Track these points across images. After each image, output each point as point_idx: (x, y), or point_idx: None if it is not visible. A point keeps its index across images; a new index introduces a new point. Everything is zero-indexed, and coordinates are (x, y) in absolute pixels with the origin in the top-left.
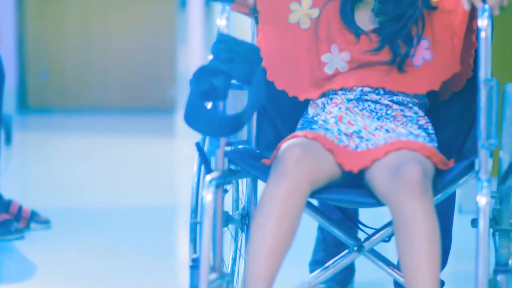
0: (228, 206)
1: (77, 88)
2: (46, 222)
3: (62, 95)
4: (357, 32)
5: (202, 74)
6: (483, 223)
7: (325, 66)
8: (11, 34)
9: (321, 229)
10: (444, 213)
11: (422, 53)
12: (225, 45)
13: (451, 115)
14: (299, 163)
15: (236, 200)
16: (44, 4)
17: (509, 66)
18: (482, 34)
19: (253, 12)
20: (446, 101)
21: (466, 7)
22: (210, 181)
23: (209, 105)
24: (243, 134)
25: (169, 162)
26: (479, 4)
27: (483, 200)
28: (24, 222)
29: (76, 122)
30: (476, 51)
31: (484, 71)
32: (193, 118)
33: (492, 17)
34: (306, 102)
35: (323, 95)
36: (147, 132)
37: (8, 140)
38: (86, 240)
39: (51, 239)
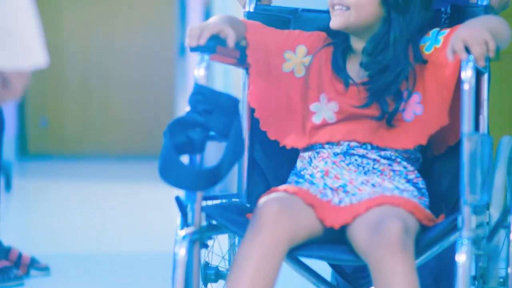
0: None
1: (77, 134)
2: (45, 269)
3: (62, 141)
4: (347, 81)
5: (177, 126)
6: (462, 283)
7: (313, 115)
8: None
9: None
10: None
11: (413, 107)
12: (202, 97)
13: (446, 169)
14: (276, 218)
15: (229, 255)
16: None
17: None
18: (465, 86)
19: (241, 63)
20: (442, 155)
21: (451, 58)
22: (183, 237)
23: (186, 158)
24: (232, 187)
25: (169, 209)
26: (462, 55)
27: (461, 258)
28: (23, 269)
29: (76, 169)
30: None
31: (467, 125)
32: (168, 172)
33: (489, 65)
34: (297, 154)
35: (310, 148)
36: (148, 178)
37: (8, 186)
38: (85, 286)
39: (50, 286)
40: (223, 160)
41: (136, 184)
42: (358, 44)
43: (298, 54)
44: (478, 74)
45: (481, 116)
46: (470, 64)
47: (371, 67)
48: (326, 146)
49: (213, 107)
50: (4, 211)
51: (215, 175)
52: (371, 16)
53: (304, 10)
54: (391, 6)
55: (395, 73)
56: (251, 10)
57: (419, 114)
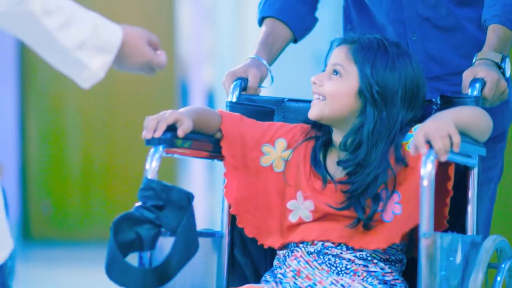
0: None
1: (80, 220)
2: None
3: (65, 227)
4: (325, 178)
5: (125, 222)
6: None
7: (290, 213)
8: (13, 166)
9: None
10: None
11: (392, 207)
12: (152, 192)
13: None
14: None
15: None
16: (46, 135)
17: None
18: (424, 183)
19: (215, 155)
20: None
21: (412, 152)
22: None
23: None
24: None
25: None
26: (422, 149)
27: None
28: None
29: (80, 254)
30: (454, 200)
31: (425, 224)
32: (113, 270)
33: (478, 161)
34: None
35: (285, 246)
36: None
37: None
38: None
39: None
40: (170, 258)
41: None
42: (337, 138)
43: (278, 148)
44: (467, 168)
45: (468, 215)
46: (431, 159)
47: (347, 165)
48: (300, 245)
49: (165, 203)
50: None
51: (163, 274)
52: (346, 108)
53: (290, 99)
54: (367, 100)
55: (373, 176)
56: (233, 100)
57: (398, 214)
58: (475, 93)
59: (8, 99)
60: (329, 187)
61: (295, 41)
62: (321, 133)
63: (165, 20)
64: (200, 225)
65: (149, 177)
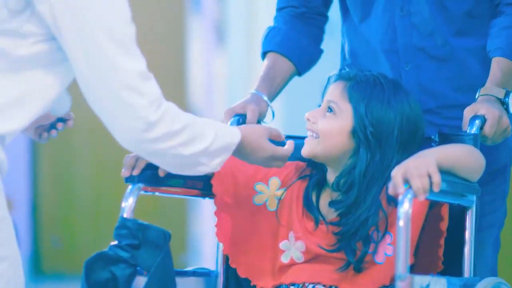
0: None
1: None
2: None
3: (75, 261)
4: (317, 219)
5: (99, 261)
6: None
7: (282, 254)
8: (25, 201)
9: None
10: None
11: (385, 248)
12: (127, 231)
13: None
14: None
15: None
16: (57, 172)
17: None
18: (400, 223)
19: (205, 193)
20: None
21: (390, 191)
22: None
23: None
24: None
25: None
26: (399, 189)
27: None
28: None
29: None
30: (447, 241)
31: (401, 265)
32: None
33: (477, 201)
34: None
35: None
36: None
37: None
38: None
39: None
40: None
41: None
42: (331, 177)
43: (271, 187)
44: (464, 209)
45: (465, 257)
46: (408, 198)
47: (339, 206)
48: (292, 287)
49: (141, 242)
50: None
51: None
52: (339, 148)
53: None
54: (361, 141)
55: (363, 217)
56: None
57: (390, 255)
58: (474, 130)
59: (20, 135)
60: (320, 228)
61: (299, 74)
62: (315, 172)
63: (176, 46)
64: (209, 264)
65: (125, 215)
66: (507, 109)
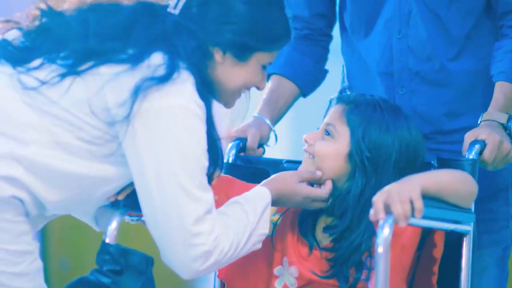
0: None
1: None
2: None
3: None
4: (311, 245)
5: (79, 286)
6: None
7: (276, 280)
8: None
9: None
10: None
11: None
12: (109, 257)
13: None
14: None
15: None
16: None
17: None
18: (379, 249)
19: None
20: None
21: (371, 216)
22: None
23: None
24: None
25: None
26: (379, 214)
27: None
28: None
29: None
30: (444, 268)
31: None
32: None
33: (475, 228)
34: None
35: None
36: None
37: None
38: None
39: None
40: None
41: None
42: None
43: None
44: (461, 235)
45: (461, 285)
46: (388, 223)
47: (333, 231)
48: None
49: (123, 267)
50: None
51: None
52: (334, 171)
53: (288, 161)
54: (357, 165)
55: (356, 243)
56: (230, 161)
57: None
58: (472, 155)
59: None
60: (314, 254)
61: (304, 95)
62: None
63: None
64: None
65: (107, 240)
66: (510, 134)
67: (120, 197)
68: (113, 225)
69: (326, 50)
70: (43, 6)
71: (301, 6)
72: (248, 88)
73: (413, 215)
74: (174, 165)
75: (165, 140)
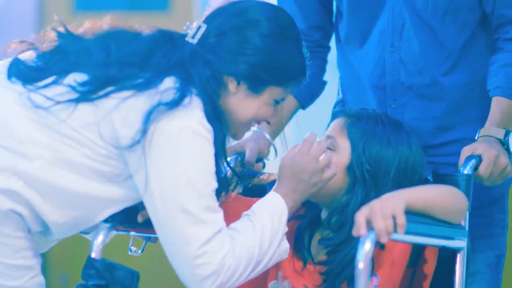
0: None
1: None
2: None
3: None
4: (305, 260)
5: None
6: None
7: None
8: None
9: None
10: None
11: None
12: (94, 272)
13: None
14: None
15: None
16: None
17: None
18: (359, 265)
19: None
20: None
21: (354, 232)
22: None
23: None
24: None
25: None
26: (360, 230)
27: None
28: None
29: None
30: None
31: None
32: None
33: (469, 241)
34: None
35: None
36: None
37: None
38: None
39: None
40: None
41: None
42: (323, 215)
43: None
44: (455, 251)
45: None
46: (370, 238)
47: (328, 243)
48: None
49: (109, 282)
50: None
51: None
52: (334, 183)
53: None
54: (356, 178)
55: (350, 257)
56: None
57: None
58: (467, 170)
59: None
60: (308, 268)
61: (303, 107)
62: (309, 211)
63: None
64: None
65: (93, 255)
66: (507, 149)
67: (140, 219)
68: (99, 239)
69: (324, 61)
70: (61, 28)
71: (297, 18)
72: (258, 122)
73: (396, 231)
74: (179, 190)
75: (172, 164)
